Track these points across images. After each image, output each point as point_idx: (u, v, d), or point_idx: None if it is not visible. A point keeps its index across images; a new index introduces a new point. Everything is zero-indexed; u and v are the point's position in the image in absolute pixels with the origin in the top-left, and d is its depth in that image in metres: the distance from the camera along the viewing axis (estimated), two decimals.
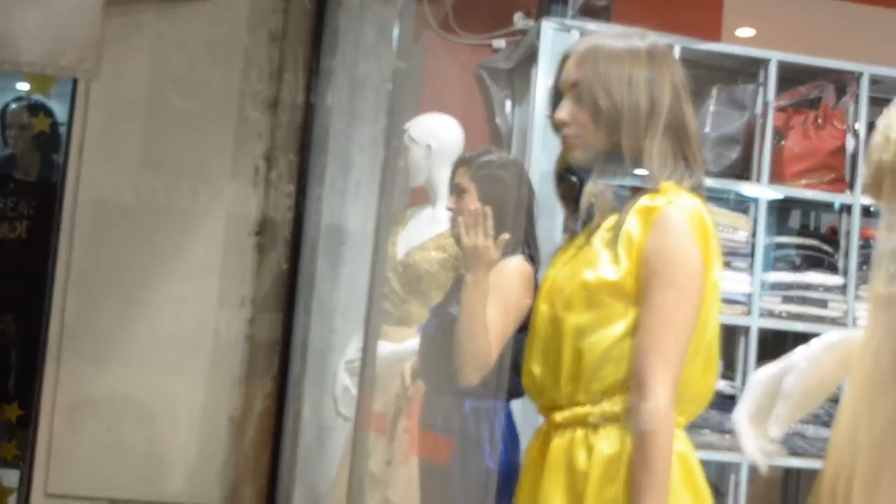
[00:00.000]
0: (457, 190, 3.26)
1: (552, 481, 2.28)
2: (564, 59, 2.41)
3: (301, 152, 4.48)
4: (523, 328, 2.99)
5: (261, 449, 4.32)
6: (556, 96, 2.40)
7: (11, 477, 4.69)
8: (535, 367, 2.37)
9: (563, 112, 2.34)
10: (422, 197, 4.16)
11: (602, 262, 2.26)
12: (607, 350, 2.23)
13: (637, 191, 2.29)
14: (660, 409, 2.16)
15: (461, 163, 3.32)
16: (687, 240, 2.21)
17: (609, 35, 2.42)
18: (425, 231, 3.97)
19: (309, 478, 4.25)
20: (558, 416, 2.31)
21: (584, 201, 2.39)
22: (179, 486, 4.31)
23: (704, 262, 2.22)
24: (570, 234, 2.46)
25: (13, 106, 5.49)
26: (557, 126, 2.36)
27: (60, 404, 4.29)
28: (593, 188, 2.33)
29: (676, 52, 4.32)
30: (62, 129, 4.60)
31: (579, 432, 2.27)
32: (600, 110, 2.30)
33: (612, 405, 2.24)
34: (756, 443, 2.13)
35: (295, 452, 4.27)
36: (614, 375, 2.23)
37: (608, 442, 2.23)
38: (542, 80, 4.34)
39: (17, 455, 4.56)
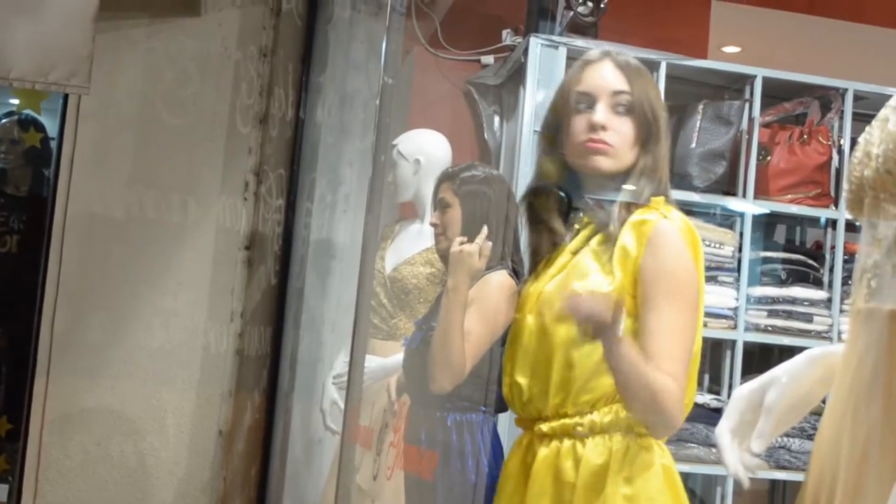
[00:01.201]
0: (441, 205, 3.27)
1: (537, 492, 2.30)
2: (587, 64, 2.41)
3: (290, 167, 4.50)
4: (504, 342, 3.02)
5: (250, 462, 4.33)
6: (583, 101, 2.38)
7: (0, 491, 4.69)
8: (520, 379, 2.38)
9: (604, 116, 2.34)
10: (410, 212, 4.18)
11: (593, 274, 2.28)
12: (598, 362, 2.25)
13: (627, 206, 2.31)
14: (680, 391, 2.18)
15: (445, 178, 3.33)
16: (684, 254, 2.24)
17: (629, 54, 2.44)
18: (413, 246, 3.99)
19: (297, 491, 4.26)
20: (545, 427, 2.33)
21: (581, 216, 2.41)
22: (169, 499, 4.31)
23: (699, 276, 2.26)
24: (549, 248, 2.46)
25: (3, 121, 5.51)
26: (592, 128, 2.35)
27: (50, 418, 4.29)
28: (595, 205, 2.34)
29: (663, 68, 4.37)
30: (53, 144, 4.62)
31: (566, 443, 2.29)
32: (648, 127, 2.33)
33: (601, 416, 2.26)
34: (738, 457, 2.15)
35: (284, 466, 4.28)
36: (603, 387, 2.25)
37: (596, 452, 2.25)
38: (531, 95, 4.37)
39: (7, 469, 4.56)
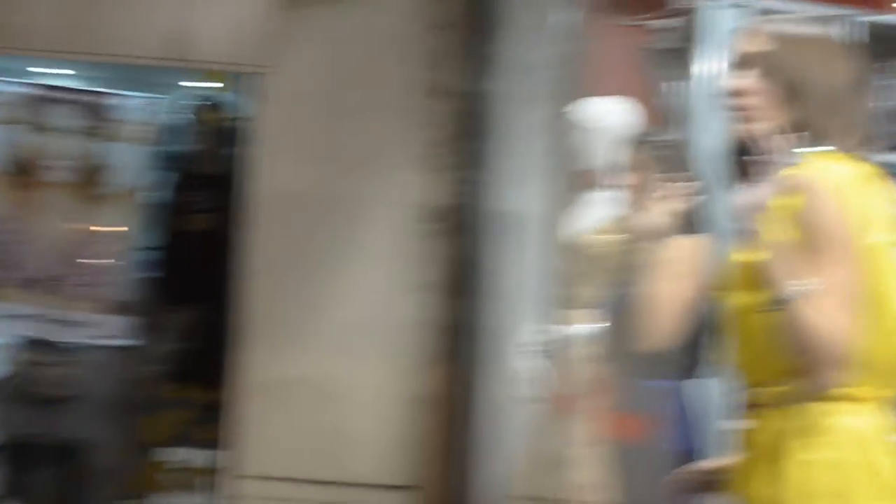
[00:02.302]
0: (631, 168, 3.31)
1: (748, 461, 2.32)
2: (745, 32, 2.43)
3: (471, 138, 4.55)
4: (699, 308, 3.04)
5: (442, 431, 4.40)
6: (735, 67, 2.41)
7: (206, 459, 4.90)
8: (735, 349, 2.40)
9: (742, 81, 2.35)
10: (591, 179, 4.20)
11: (763, 239, 2.27)
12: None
13: (781, 165, 2.30)
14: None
15: (633, 142, 3.37)
16: (829, 205, 2.19)
17: (794, 18, 2.44)
18: (597, 213, 4.01)
19: (489, 459, 4.32)
20: (752, 395, 2.34)
21: (747, 180, 2.41)
22: (365, 467, 4.43)
23: (854, 225, 2.21)
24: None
25: (193, 103, 5.71)
26: (733, 95, 2.37)
27: (251, 389, 4.46)
28: (756, 166, 2.34)
29: (852, 23, 4.28)
30: (243, 124, 4.78)
31: (767, 410, 2.29)
32: (790, 85, 2.32)
33: (790, 383, 2.25)
34: None
35: (474, 434, 4.34)
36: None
37: (781, 418, 2.24)
38: (703, 59, 4.36)
39: (212, 438, 4.75)
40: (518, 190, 4.46)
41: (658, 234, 2.95)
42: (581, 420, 3.38)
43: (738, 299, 2.31)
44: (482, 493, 4.29)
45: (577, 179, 4.23)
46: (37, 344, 5.22)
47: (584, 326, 3.64)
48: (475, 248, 4.50)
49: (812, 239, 2.19)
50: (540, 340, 4.04)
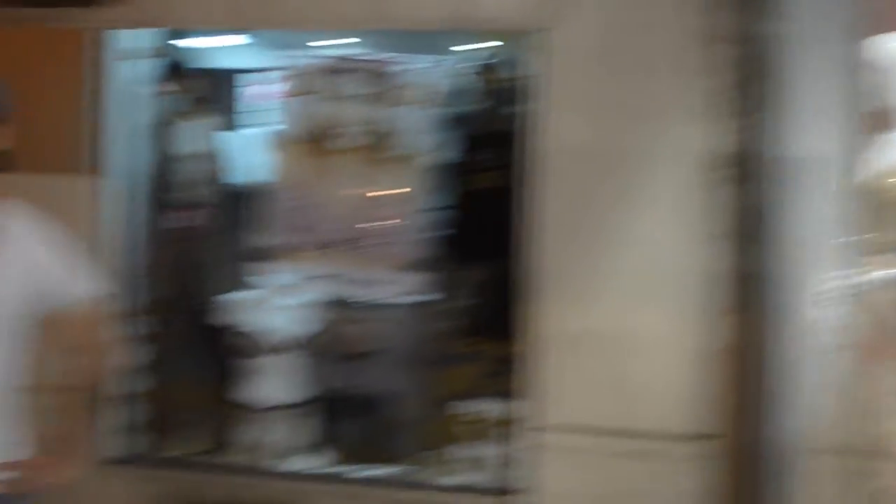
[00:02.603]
0: None
1: None
2: None
3: (757, 83, 4.46)
4: None
5: (736, 381, 4.38)
6: None
7: (501, 410, 5.02)
8: None
9: None
10: (887, 120, 4.05)
11: None
12: None
13: None
14: None
15: None
16: None
17: None
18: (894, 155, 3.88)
19: (787, 410, 4.27)
20: None
21: None
22: (661, 417, 4.46)
23: None
24: None
25: (478, 63, 5.83)
26: None
27: (544, 341, 4.57)
28: None
29: None
30: (525, 82, 4.85)
31: None
32: None
33: None
34: None
35: (770, 385, 4.29)
36: None
37: None
38: None
39: (506, 390, 4.86)
40: (807, 134, 4.36)
41: None
42: (892, 367, 3.29)
43: None
44: (780, 445, 4.24)
45: (871, 120, 4.09)
46: (338, 303, 5.49)
47: (889, 271, 3.54)
48: (764, 195, 4.42)
49: None
50: (840, 287, 3.96)
